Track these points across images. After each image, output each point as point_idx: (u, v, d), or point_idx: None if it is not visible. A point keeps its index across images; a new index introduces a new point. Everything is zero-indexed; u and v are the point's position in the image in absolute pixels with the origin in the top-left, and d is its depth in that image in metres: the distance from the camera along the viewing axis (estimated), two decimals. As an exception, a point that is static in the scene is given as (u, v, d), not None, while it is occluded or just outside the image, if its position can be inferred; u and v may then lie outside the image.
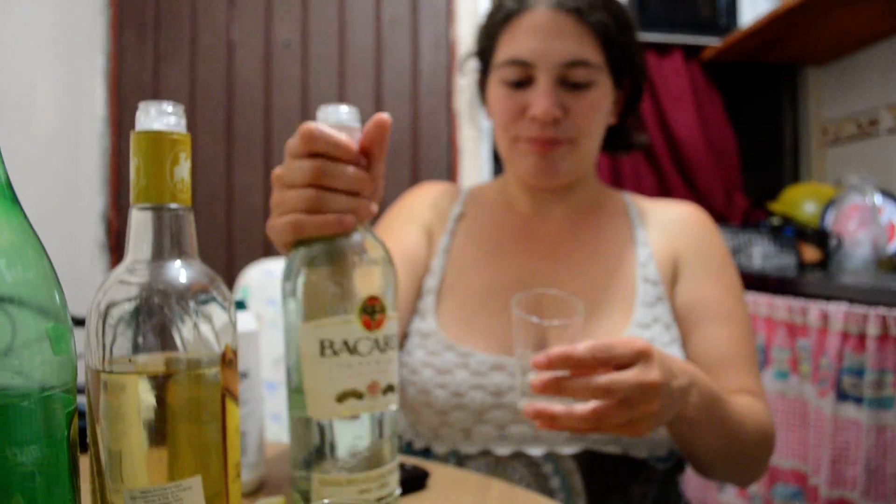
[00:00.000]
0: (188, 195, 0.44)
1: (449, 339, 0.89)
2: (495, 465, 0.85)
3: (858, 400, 1.34)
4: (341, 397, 0.52)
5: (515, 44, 0.90)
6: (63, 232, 1.95)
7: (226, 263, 2.17)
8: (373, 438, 0.54)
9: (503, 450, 0.85)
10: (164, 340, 0.41)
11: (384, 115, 0.58)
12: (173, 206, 0.43)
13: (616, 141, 1.03)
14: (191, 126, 2.18)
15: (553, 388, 0.62)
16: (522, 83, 0.90)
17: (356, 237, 0.56)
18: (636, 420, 0.64)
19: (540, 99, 0.88)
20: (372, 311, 0.54)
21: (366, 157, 0.58)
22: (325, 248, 0.56)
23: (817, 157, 2.44)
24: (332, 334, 0.52)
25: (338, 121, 0.56)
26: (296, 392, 0.54)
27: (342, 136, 0.55)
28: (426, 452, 0.90)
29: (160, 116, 0.43)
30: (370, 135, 0.58)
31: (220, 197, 2.20)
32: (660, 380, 0.63)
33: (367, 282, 0.55)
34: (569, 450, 0.85)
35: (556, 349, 0.62)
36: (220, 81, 2.19)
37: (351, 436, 0.54)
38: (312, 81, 2.23)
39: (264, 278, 1.91)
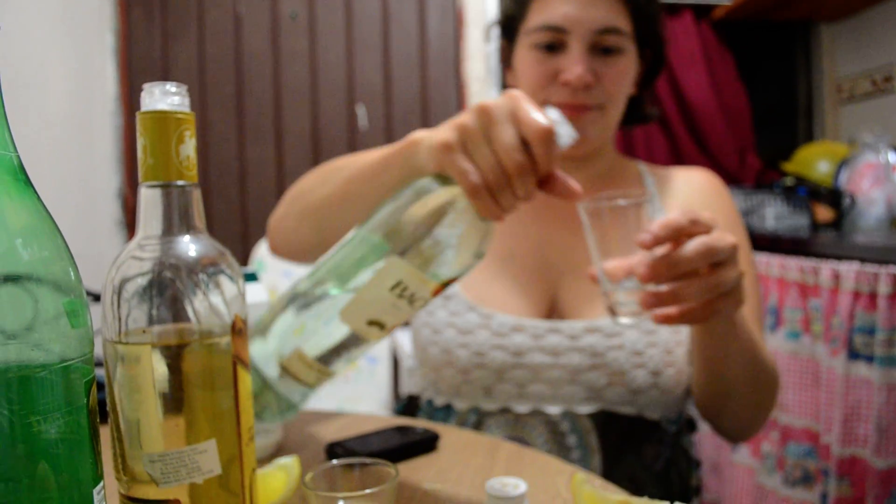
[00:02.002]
0: (194, 172, 0.45)
1: (471, 301, 0.91)
2: (514, 423, 0.88)
3: (870, 358, 1.35)
4: (372, 322, 0.57)
5: (549, 10, 0.90)
6: (81, 210, 1.98)
7: (241, 237, 2.20)
8: (356, 354, 0.60)
9: (522, 408, 0.89)
10: (177, 312, 0.42)
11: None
12: (180, 182, 0.44)
13: (631, 113, 1.04)
14: (201, 102, 2.19)
15: (664, 264, 0.59)
16: (553, 48, 0.91)
17: (489, 227, 0.59)
18: (737, 287, 0.63)
19: (574, 65, 0.88)
20: (445, 286, 0.58)
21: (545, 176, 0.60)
22: (472, 223, 0.57)
23: (831, 116, 2.41)
24: (411, 283, 0.56)
25: (558, 120, 0.58)
26: (338, 278, 0.58)
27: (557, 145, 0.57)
28: (447, 409, 0.93)
29: (164, 96, 0.44)
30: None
31: (233, 172, 2.22)
32: (737, 242, 0.63)
33: (461, 267, 0.58)
34: (585, 409, 0.88)
35: (655, 223, 0.60)
36: (229, 56, 2.20)
37: (351, 349, 0.59)
38: (320, 53, 2.23)
39: (279, 251, 1.95)
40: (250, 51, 2.21)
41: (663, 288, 0.60)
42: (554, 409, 0.88)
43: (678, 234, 0.59)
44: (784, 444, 1.57)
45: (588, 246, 0.65)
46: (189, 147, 0.44)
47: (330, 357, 0.58)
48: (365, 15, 2.24)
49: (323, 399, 1.90)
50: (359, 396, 1.91)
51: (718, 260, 0.60)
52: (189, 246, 0.44)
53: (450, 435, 0.76)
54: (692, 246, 0.59)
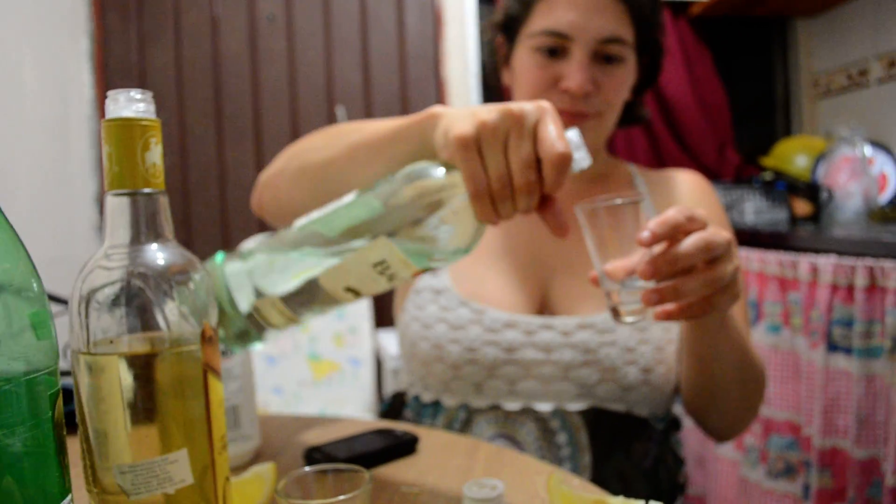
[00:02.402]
0: (161, 179, 0.45)
1: (463, 296, 0.91)
2: (504, 420, 0.88)
3: (848, 350, 1.36)
4: (349, 289, 0.59)
5: (554, 15, 0.90)
6: (58, 215, 1.96)
7: (221, 239, 2.19)
8: (327, 311, 0.63)
9: (512, 405, 0.89)
10: (145, 321, 0.42)
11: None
12: (147, 190, 0.44)
13: (624, 115, 1.05)
14: (179, 105, 2.18)
15: (664, 261, 0.60)
16: (555, 53, 0.91)
17: (482, 227, 0.60)
18: (733, 281, 0.64)
19: (576, 73, 0.88)
20: (424, 272, 0.59)
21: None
22: (466, 220, 0.58)
23: (809, 110, 2.44)
24: (394, 264, 0.57)
25: (577, 145, 0.59)
26: (327, 239, 0.59)
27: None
28: (435, 406, 0.93)
29: (129, 103, 0.43)
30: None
31: (213, 174, 2.21)
32: (731, 237, 0.63)
33: (447, 259, 0.59)
34: (576, 406, 0.88)
35: (653, 221, 0.60)
36: (206, 59, 2.19)
37: (324, 306, 0.62)
38: (299, 54, 2.22)
39: (260, 254, 1.93)
40: (228, 53, 2.19)
41: (664, 285, 0.61)
42: (544, 407, 0.88)
43: (676, 231, 0.60)
44: (766, 436, 1.59)
45: (587, 248, 0.65)
46: (155, 154, 0.44)
47: (301, 308, 0.61)
48: (343, 15, 2.23)
49: (305, 402, 1.89)
50: (342, 399, 1.91)
51: (715, 255, 0.61)
52: (157, 254, 0.44)
53: (430, 437, 0.76)
54: (690, 241, 0.60)
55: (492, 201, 0.57)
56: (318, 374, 1.91)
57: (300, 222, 0.62)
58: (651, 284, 0.61)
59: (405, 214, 0.56)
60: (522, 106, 0.57)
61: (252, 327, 0.61)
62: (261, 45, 2.21)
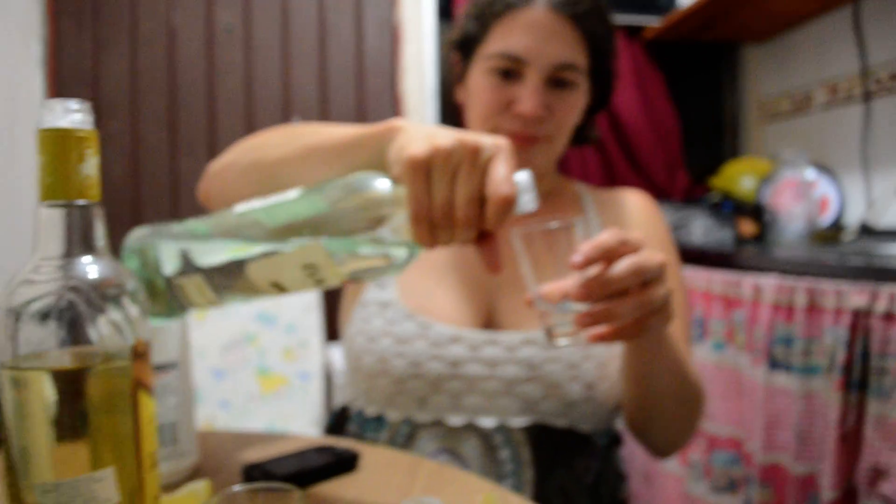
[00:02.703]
0: (96, 191, 0.45)
1: (409, 310, 0.91)
2: (447, 435, 0.88)
3: (789, 368, 1.40)
4: (275, 284, 0.59)
5: (511, 38, 0.91)
6: (5, 223, 1.91)
7: (173, 252, 2.15)
8: (250, 300, 0.63)
9: (456, 420, 0.89)
10: (76, 335, 0.42)
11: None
12: (81, 202, 0.44)
13: (574, 136, 1.06)
14: (132, 114, 2.15)
15: (596, 284, 0.60)
16: (509, 75, 0.92)
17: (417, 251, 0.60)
18: (666, 304, 0.64)
19: (529, 97, 0.90)
20: (353, 282, 0.61)
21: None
22: (404, 240, 0.58)
23: (755, 134, 2.51)
24: (324, 271, 0.58)
25: (525, 188, 0.59)
26: (262, 229, 0.59)
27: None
28: (379, 420, 0.93)
29: (65, 114, 0.43)
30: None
31: (165, 184, 2.18)
32: (665, 260, 0.64)
33: (377, 274, 0.60)
34: (519, 422, 0.88)
35: (586, 244, 0.61)
36: (162, 68, 2.16)
37: (248, 295, 0.62)
38: (256, 67, 2.21)
39: (211, 266, 1.91)
40: (184, 63, 2.17)
41: (597, 308, 0.61)
42: (488, 422, 0.88)
43: (608, 254, 0.61)
44: (710, 452, 1.62)
45: (522, 271, 0.66)
46: (90, 165, 0.44)
47: (223, 292, 0.61)
48: (301, 28, 2.23)
49: (253, 417, 1.86)
50: (290, 414, 1.89)
51: (648, 278, 0.62)
52: (88, 267, 0.43)
53: (372, 453, 0.75)
54: (623, 265, 0.61)
55: (431, 227, 0.57)
56: (266, 389, 1.88)
57: (241, 208, 0.62)
58: (585, 307, 0.62)
59: (345, 222, 0.56)
60: (480, 140, 0.58)
61: (173, 299, 0.61)
62: (218, 56, 2.19)
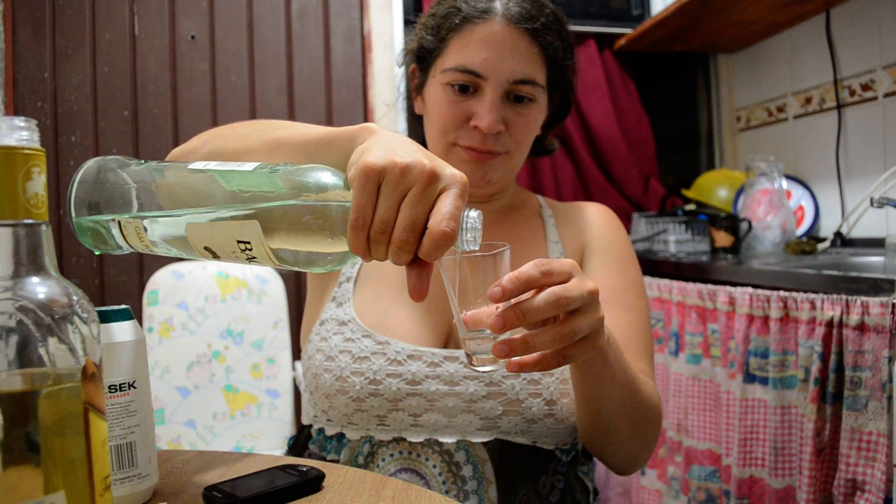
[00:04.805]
0: (44, 210, 0.44)
1: (367, 327, 0.90)
2: (408, 453, 0.87)
3: (764, 381, 1.37)
4: (208, 248, 0.60)
5: (468, 52, 0.91)
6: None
7: (137, 265, 2.10)
8: (184, 257, 0.65)
9: (416, 437, 0.87)
10: (24, 357, 0.41)
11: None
12: (28, 221, 0.43)
13: (533, 148, 1.05)
14: (94, 125, 2.09)
15: (513, 315, 0.59)
16: (467, 90, 0.92)
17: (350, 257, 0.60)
18: (595, 331, 0.63)
19: (487, 112, 0.90)
20: (284, 267, 0.60)
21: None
22: (342, 243, 0.57)
23: (730, 144, 2.50)
24: (258, 251, 0.58)
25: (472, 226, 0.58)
26: (213, 190, 0.60)
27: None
28: (339, 438, 0.91)
29: (11, 131, 0.43)
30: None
31: (129, 198, 2.12)
32: (596, 288, 0.63)
33: (311, 268, 0.59)
34: (480, 438, 0.87)
35: (506, 277, 0.60)
36: (124, 78, 2.11)
37: (177, 248, 0.63)
38: (221, 76, 2.16)
39: (174, 281, 1.85)
40: (146, 72, 2.12)
41: (515, 337, 0.60)
42: (449, 439, 0.87)
43: (529, 287, 0.60)
44: (688, 466, 1.59)
45: (448, 294, 0.64)
46: (38, 184, 0.44)
47: (160, 244, 0.62)
48: (267, 37, 2.19)
49: (220, 436, 1.81)
50: (259, 432, 1.83)
51: (572, 307, 0.61)
52: (38, 288, 0.43)
53: (337, 473, 0.73)
54: (541, 297, 0.60)
55: (367, 239, 0.56)
56: (234, 407, 1.83)
57: (197, 165, 0.62)
58: (506, 335, 0.61)
59: (290, 209, 0.56)
60: (441, 168, 0.57)
61: (110, 235, 0.63)
62: (181, 66, 2.14)
